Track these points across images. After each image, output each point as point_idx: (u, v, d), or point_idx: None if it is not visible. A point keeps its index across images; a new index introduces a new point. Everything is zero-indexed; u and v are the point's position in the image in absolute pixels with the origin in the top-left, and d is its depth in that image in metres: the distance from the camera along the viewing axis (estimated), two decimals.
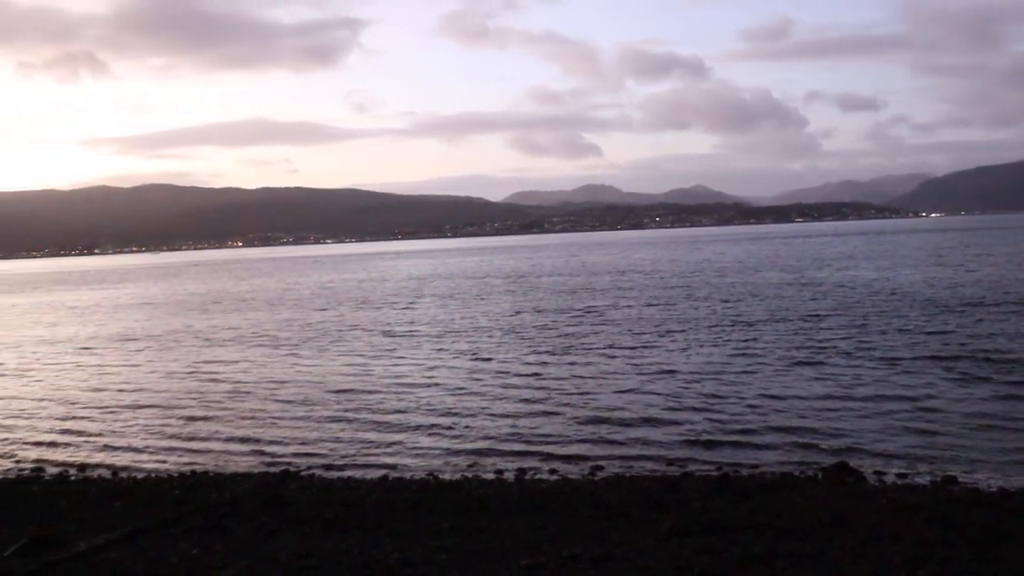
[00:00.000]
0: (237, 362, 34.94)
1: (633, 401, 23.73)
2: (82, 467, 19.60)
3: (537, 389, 26.06)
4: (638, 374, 27.88)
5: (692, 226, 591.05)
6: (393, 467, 18.26)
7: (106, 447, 21.56)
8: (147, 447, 21.39)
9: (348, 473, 17.94)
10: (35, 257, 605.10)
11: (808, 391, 23.98)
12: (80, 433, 23.20)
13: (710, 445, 19.01)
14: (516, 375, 28.75)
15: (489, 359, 32.46)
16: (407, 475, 17.46)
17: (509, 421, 22.07)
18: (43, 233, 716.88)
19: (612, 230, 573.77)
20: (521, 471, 17.47)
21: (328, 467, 18.50)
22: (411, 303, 60.90)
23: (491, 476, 17.20)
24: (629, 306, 50.30)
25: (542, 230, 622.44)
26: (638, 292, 61.02)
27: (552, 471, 17.44)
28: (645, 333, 37.62)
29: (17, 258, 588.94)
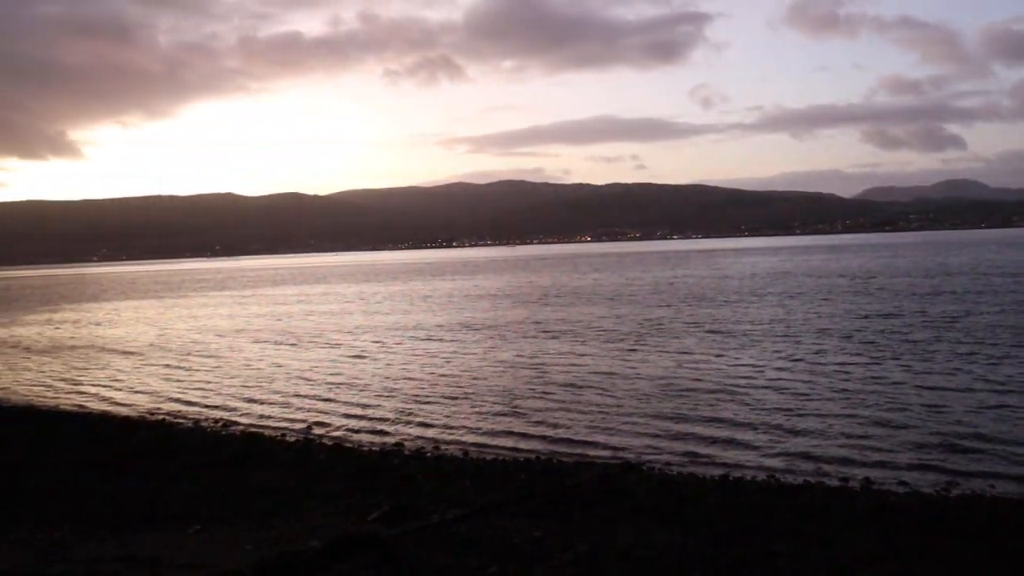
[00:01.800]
0: (574, 355, 35.41)
1: (989, 415, 21.64)
2: (437, 445, 20.87)
3: (879, 397, 24.40)
4: (995, 388, 25.18)
5: None
6: (732, 467, 17.93)
7: (456, 428, 22.78)
8: (492, 431, 22.34)
9: (688, 470, 17.82)
10: (399, 249, 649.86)
11: None
12: (431, 414, 24.69)
13: None
14: (857, 380, 27.12)
15: (828, 362, 30.83)
16: (747, 476, 17.08)
17: (851, 428, 20.91)
18: (407, 227, 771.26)
19: (975, 228, 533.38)
20: (868, 480, 16.53)
21: (668, 463, 18.46)
22: (751, 301, 59.13)
23: (835, 484, 16.44)
24: (988, 312, 45.83)
25: (896, 228, 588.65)
26: (1000, 296, 55.53)
27: (901, 483, 16.38)
28: (1001, 343, 33.92)
29: (384, 250, 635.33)
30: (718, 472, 17.37)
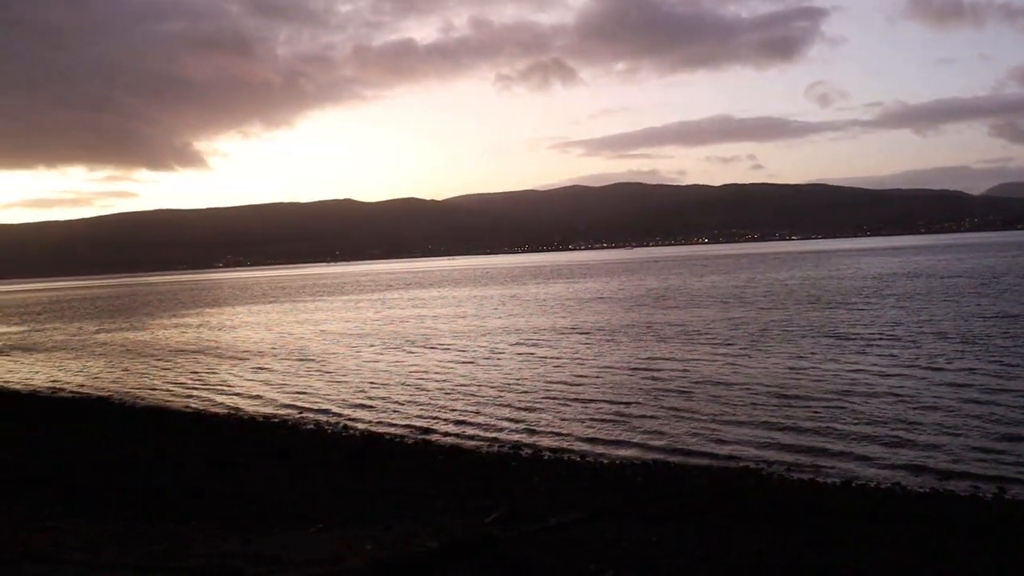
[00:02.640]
0: (687, 359, 35.13)
1: None
2: (553, 449, 20.96)
3: (1007, 405, 23.52)
4: None
5: None
6: (852, 475, 17.54)
7: (571, 432, 22.80)
8: (607, 435, 22.33)
9: (807, 476, 17.52)
10: (515, 252, 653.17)
11: None
12: (546, 418, 24.87)
13: None
14: (981, 387, 26.14)
15: (949, 368, 29.80)
16: (870, 483, 16.69)
17: (976, 438, 20.21)
18: (523, 230, 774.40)
19: None
20: (1001, 490, 15.96)
21: (789, 468, 18.19)
22: (869, 304, 57.65)
23: (965, 492, 15.94)
24: None
25: None
26: None
27: None
28: None
29: (500, 253, 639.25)
30: (838, 479, 17.08)
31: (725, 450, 20.08)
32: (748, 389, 27.38)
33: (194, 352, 48.75)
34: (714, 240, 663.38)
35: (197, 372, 39.71)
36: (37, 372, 43.46)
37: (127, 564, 10.34)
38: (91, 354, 51.09)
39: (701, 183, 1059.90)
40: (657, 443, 21.10)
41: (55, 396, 34.46)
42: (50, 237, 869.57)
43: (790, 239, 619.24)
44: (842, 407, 24.03)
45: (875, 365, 31.16)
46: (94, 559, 10.56)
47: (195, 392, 33.74)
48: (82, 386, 37.11)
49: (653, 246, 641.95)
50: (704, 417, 23.63)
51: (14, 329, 79.38)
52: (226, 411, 28.95)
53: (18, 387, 37.71)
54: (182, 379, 37.46)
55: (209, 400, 31.65)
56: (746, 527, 12.60)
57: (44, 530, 12.23)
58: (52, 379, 40.22)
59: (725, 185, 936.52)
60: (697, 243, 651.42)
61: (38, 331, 74.57)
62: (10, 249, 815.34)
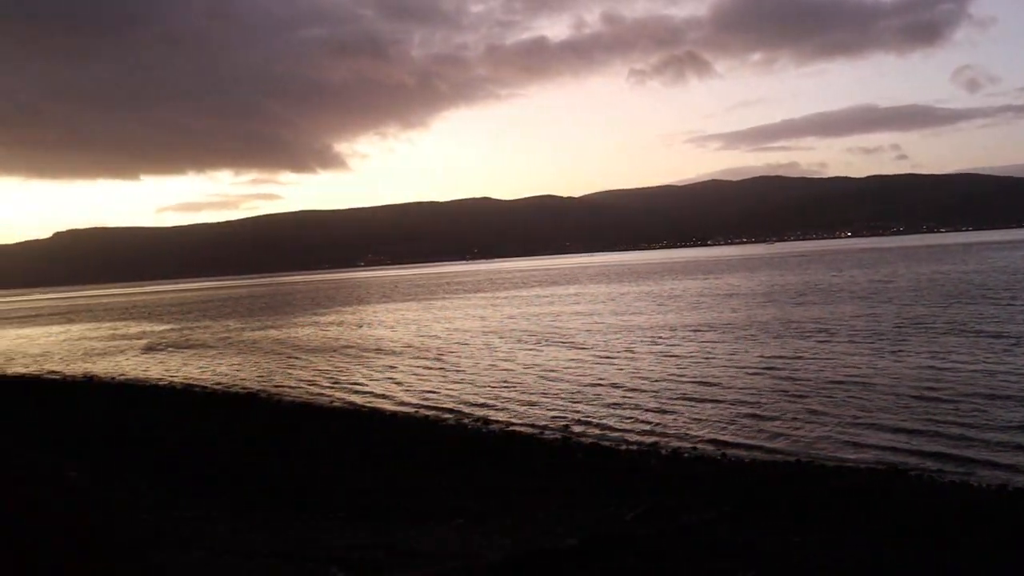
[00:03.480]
0: (827, 355, 34.38)
1: None
2: (693, 447, 20.83)
3: None
4: None
5: None
6: (1006, 480, 16.69)
7: (710, 430, 22.61)
8: (747, 433, 22.06)
9: (960, 478, 16.84)
10: (653, 248, 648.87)
11: None
12: (684, 416, 24.66)
13: None
14: None
15: None
16: None
17: None
18: (661, 226, 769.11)
19: None
20: None
21: (940, 470, 17.52)
22: (1017, 300, 54.95)
23: None
24: None
25: None
26: None
27: None
28: None
29: (638, 250, 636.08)
30: (995, 482, 16.32)
31: (866, 453, 19.46)
32: (888, 389, 26.45)
33: (332, 350, 49.98)
34: (857, 234, 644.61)
35: (334, 370, 40.67)
36: (189, 368, 45.33)
37: (272, 552, 10.69)
38: (238, 352, 53.02)
39: (843, 175, 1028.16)
40: (794, 444, 20.66)
41: (207, 391, 35.80)
42: (199, 239, 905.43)
43: (937, 231, 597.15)
44: (995, 407, 23.05)
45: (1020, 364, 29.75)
46: (240, 546, 10.96)
47: (332, 389, 34.56)
48: (230, 382, 38.57)
49: (794, 240, 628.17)
50: (842, 418, 22.96)
51: (168, 327, 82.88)
52: (366, 408, 29.52)
53: (176, 382, 39.36)
54: (319, 377, 38.42)
55: (346, 397, 32.34)
56: (896, 532, 12.19)
57: (197, 519, 12.77)
58: (204, 375, 41.92)
59: (868, 177, 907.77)
60: (839, 237, 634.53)
61: (190, 329, 77.72)
62: (164, 251, 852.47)
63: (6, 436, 19.01)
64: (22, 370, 49.04)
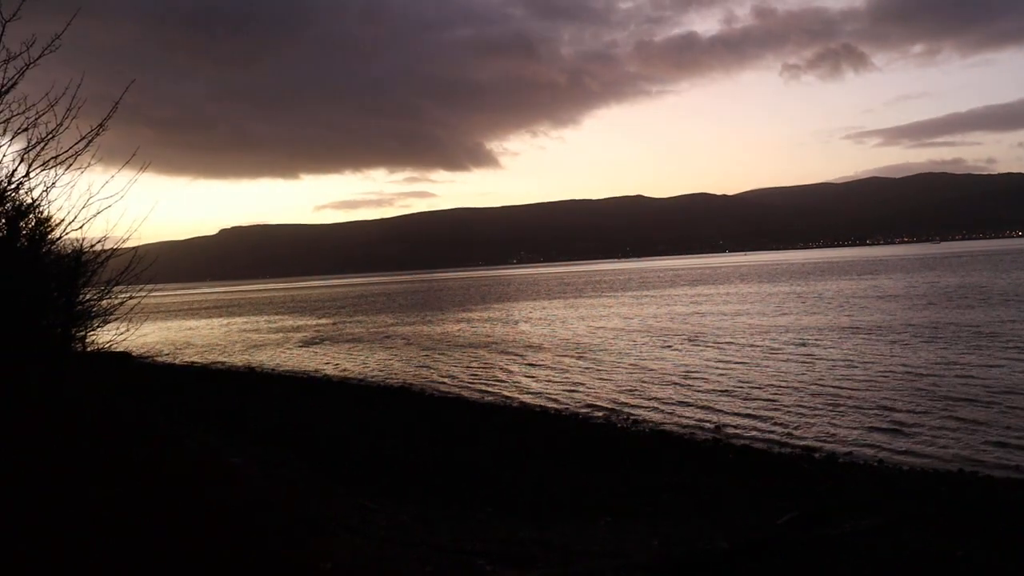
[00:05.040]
0: (979, 364, 32.78)
1: None
2: (849, 452, 20.34)
3: None
4: None
5: None
6: None
7: (865, 435, 22.02)
8: (908, 439, 21.40)
9: None
10: (810, 248, 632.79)
11: None
12: (837, 420, 24.11)
13: None
14: None
15: None
16: None
17: None
18: (818, 225, 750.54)
19: None
20: None
21: None
22: None
23: None
24: None
25: None
26: None
27: None
28: None
29: (794, 248, 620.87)
30: None
31: None
32: None
33: (479, 346, 50.87)
34: None
35: (483, 365, 41.34)
36: (344, 360, 46.92)
37: (431, 544, 10.92)
38: (390, 346, 54.53)
39: (1014, 171, 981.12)
40: (955, 454, 19.82)
41: (361, 383, 36.90)
42: (356, 236, 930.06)
43: None
44: None
45: None
46: (400, 536, 11.24)
47: (482, 384, 35.16)
48: (384, 375, 39.70)
49: (959, 240, 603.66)
50: (1005, 430, 21.84)
51: (324, 321, 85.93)
52: (515, 403, 29.88)
53: (331, 374, 40.87)
54: (469, 371, 39.13)
55: (497, 392, 32.82)
56: None
57: (355, 507, 13.21)
58: (357, 367, 43.35)
59: None
60: (1010, 236, 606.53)
61: (344, 323, 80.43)
62: (322, 247, 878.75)
63: (175, 422, 20.28)
64: (195, 359, 51.92)
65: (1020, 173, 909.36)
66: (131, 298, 12.04)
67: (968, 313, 53.78)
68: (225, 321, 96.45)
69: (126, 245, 11.67)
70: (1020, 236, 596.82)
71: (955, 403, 25.29)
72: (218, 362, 49.47)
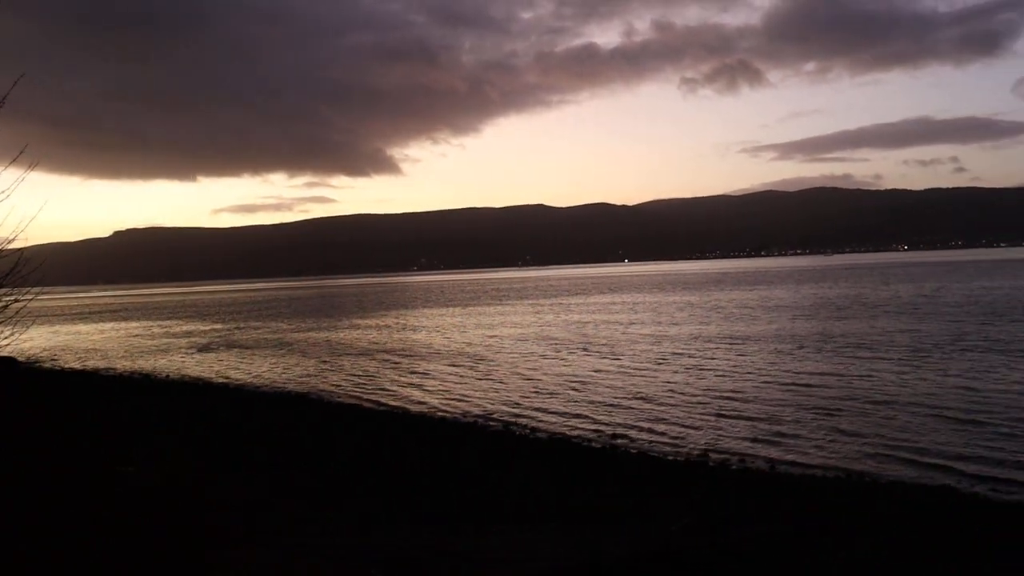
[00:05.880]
0: (859, 373, 33.94)
1: None
2: (742, 457, 20.66)
3: None
4: None
5: None
6: None
7: (761, 442, 22.41)
8: (799, 446, 21.82)
9: (1012, 498, 16.49)
10: (707, 258, 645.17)
11: None
12: (732, 427, 24.58)
13: None
14: None
15: None
16: None
17: None
18: (715, 236, 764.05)
19: None
20: None
21: (993, 488, 17.39)
22: None
23: None
24: None
25: None
26: None
27: None
28: None
29: (692, 259, 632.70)
30: None
31: (914, 471, 19.15)
32: (928, 408, 25.89)
33: (368, 354, 50.69)
34: (914, 247, 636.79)
35: (364, 373, 41.23)
36: (234, 368, 46.30)
37: (324, 553, 10.67)
38: (284, 353, 54.16)
39: (900, 187, 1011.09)
40: (840, 460, 20.34)
41: (258, 391, 36.42)
42: (255, 240, 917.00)
43: (998, 246, 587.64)
44: None
45: None
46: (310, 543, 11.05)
47: (365, 392, 35.07)
48: (280, 383, 39.35)
49: (850, 253, 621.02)
50: (886, 436, 22.55)
51: (219, 326, 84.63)
52: (418, 410, 29.79)
53: (223, 381, 40.12)
54: (355, 379, 39.05)
55: (376, 399, 32.94)
56: (955, 551, 11.83)
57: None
58: (249, 376, 42.79)
59: (926, 190, 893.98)
60: (895, 250, 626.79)
61: (239, 329, 79.26)
62: (220, 251, 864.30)
63: (59, 432, 19.70)
64: (75, 365, 50.56)
65: (904, 189, 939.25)
66: (16, 301, 11.85)
67: (852, 324, 55.49)
68: (116, 325, 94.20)
69: (12, 246, 11.51)
70: (906, 250, 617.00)
71: (837, 413, 25.88)
72: (107, 368, 48.28)
